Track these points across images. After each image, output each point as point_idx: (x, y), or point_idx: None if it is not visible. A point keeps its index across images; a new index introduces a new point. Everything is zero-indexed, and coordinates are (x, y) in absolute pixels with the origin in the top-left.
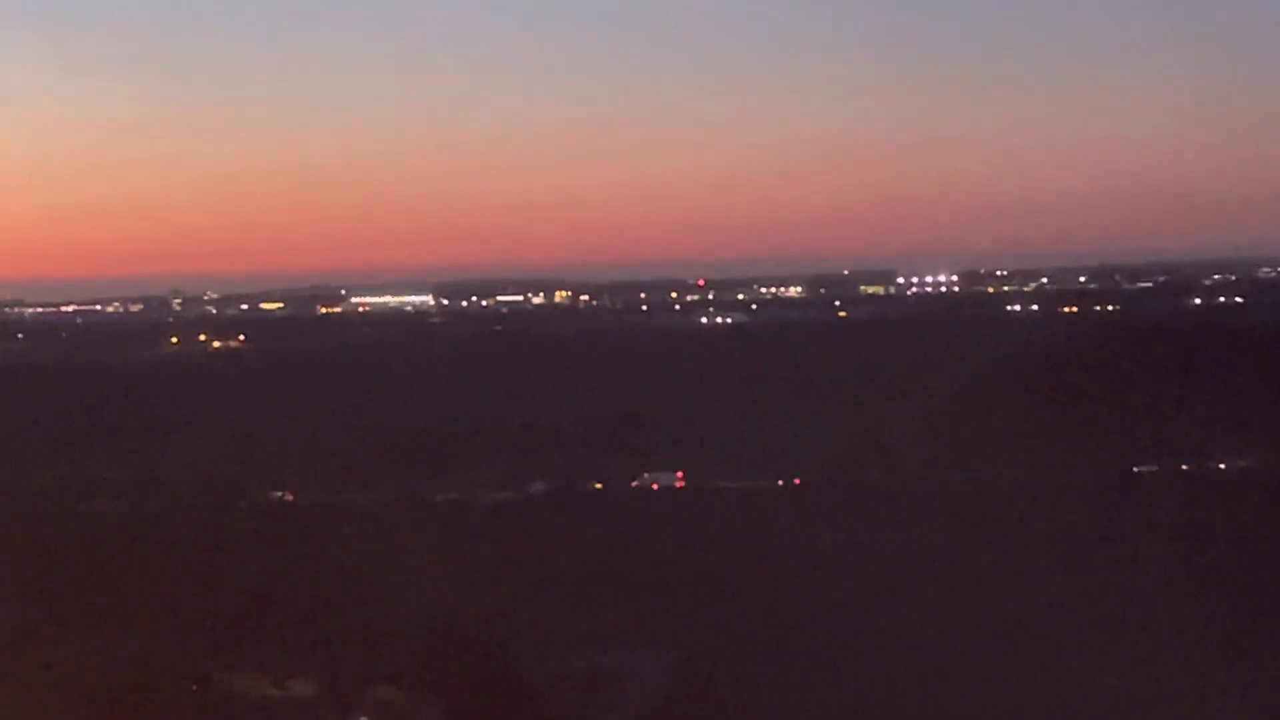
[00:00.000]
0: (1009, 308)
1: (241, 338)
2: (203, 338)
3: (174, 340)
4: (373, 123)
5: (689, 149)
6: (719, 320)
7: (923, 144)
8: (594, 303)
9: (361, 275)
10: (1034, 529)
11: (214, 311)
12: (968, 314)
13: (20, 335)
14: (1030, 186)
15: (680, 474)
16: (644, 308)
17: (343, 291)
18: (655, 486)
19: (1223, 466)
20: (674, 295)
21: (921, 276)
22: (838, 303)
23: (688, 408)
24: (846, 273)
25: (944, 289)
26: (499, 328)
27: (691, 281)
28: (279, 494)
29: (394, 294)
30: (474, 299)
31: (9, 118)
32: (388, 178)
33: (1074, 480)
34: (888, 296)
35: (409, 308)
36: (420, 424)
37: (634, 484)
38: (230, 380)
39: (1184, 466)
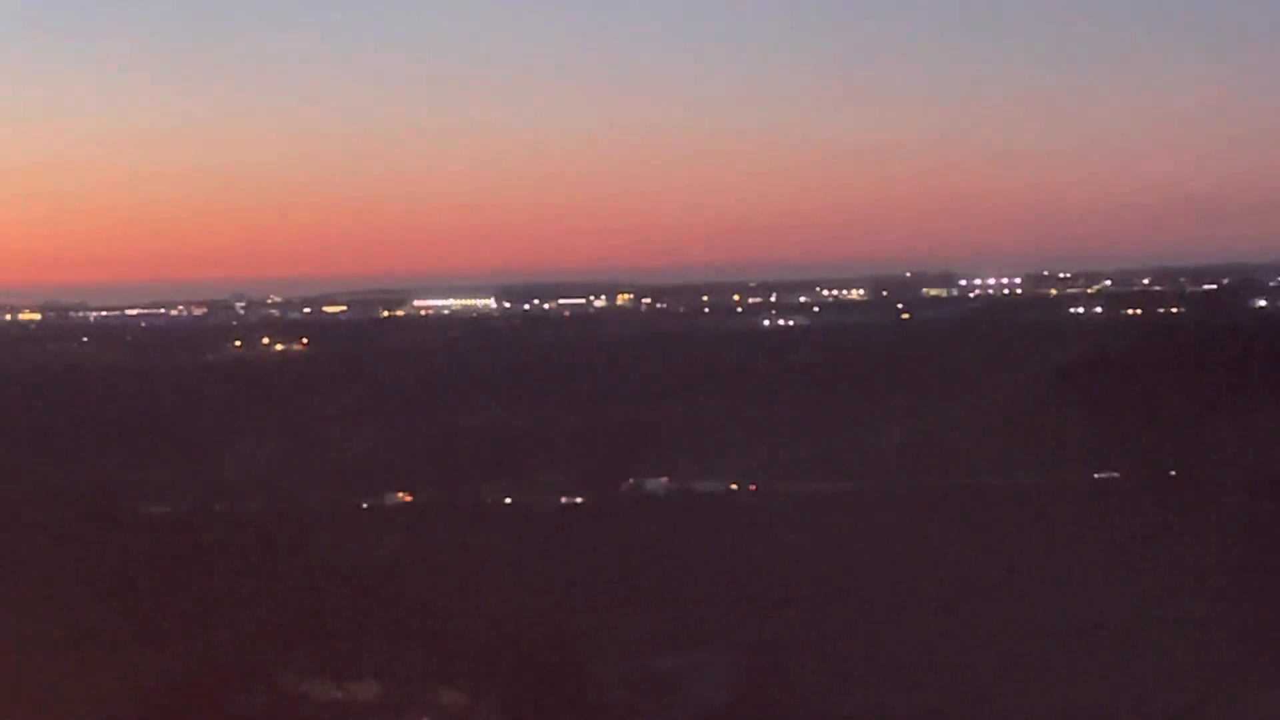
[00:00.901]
0: (1072, 310)
1: (304, 341)
2: (266, 341)
3: (237, 343)
4: (435, 127)
5: (750, 153)
6: (781, 323)
7: (984, 146)
8: (656, 305)
9: (423, 278)
10: (1096, 533)
11: (277, 314)
12: (1031, 316)
13: (84, 338)
14: (1093, 188)
15: (729, 480)
16: (706, 310)
17: (405, 294)
18: (715, 489)
19: None
20: (736, 298)
21: (984, 279)
22: (900, 305)
23: (750, 410)
24: (908, 275)
25: (1006, 291)
26: (561, 330)
27: (754, 284)
28: (341, 496)
29: (456, 297)
30: (536, 302)
31: (71, 125)
32: (450, 181)
33: (1148, 483)
34: (950, 299)
35: (471, 311)
36: (484, 426)
37: (694, 486)
38: (291, 383)
39: (1256, 471)
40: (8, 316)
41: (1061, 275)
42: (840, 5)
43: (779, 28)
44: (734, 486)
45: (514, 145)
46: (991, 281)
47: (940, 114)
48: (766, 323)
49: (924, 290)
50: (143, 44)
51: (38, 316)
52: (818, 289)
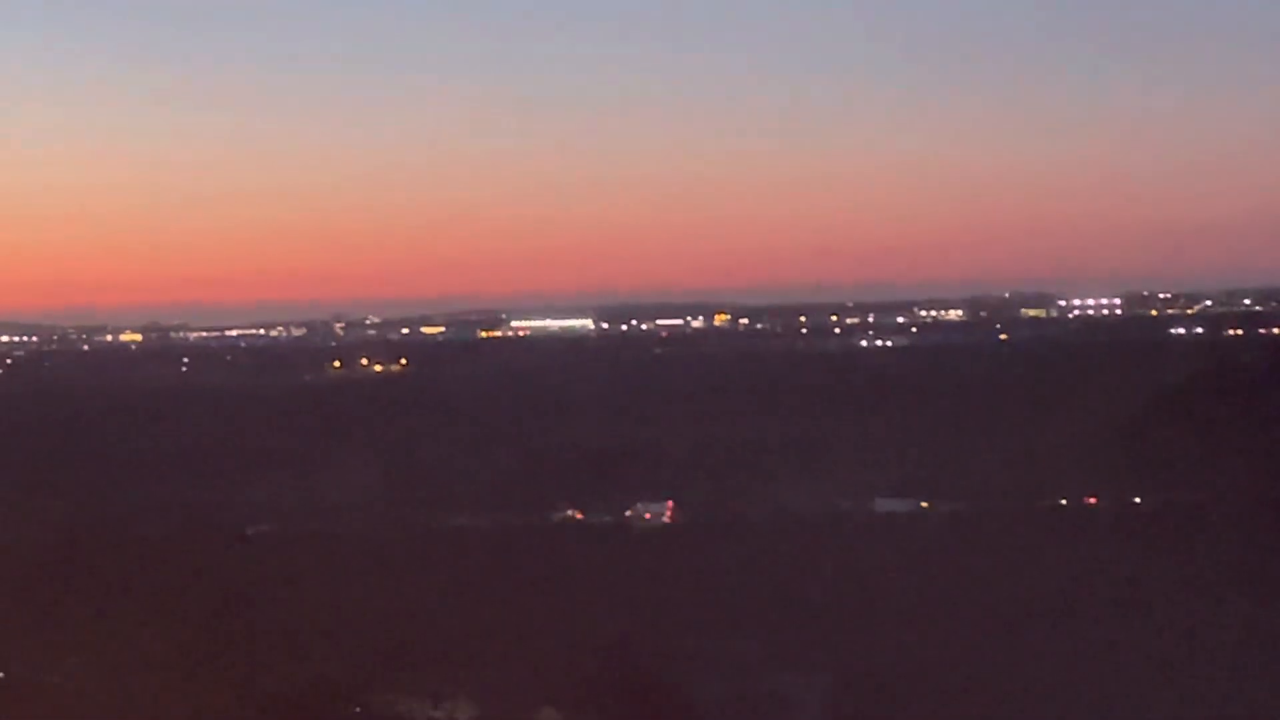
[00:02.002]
0: (1172, 331)
1: (403, 361)
2: (364, 362)
3: (336, 364)
4: (533, 149)
5: (848, 174)
6: (879, 343)
7: (1082, 166)
8: (754, 326)
9: (521, 299)
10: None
11: (375, 335)
12: (1131, 337)
13: (185, 359)
14: (1193, 207)
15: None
16: (803, 331)
17: (502, 315)
18: (821, 510)
19: None
20: (834, 318)
21: (1083, 299)
22: (998, 326)
23: (847, 431)
24: (1007, 295)
25: (1106, 311)
26: (659, 351)
27: (851, 304)
28: (440, 517)
29: (554, 318)
30: (633, 322)
31: (172, 145)
32: (547, 202)
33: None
34: (1049, 319)
35: (568, 331)
36: (582, 446)
37: (798, 509)
38: (388, 404)
39: None
40: (110, 338)
41: (1162, 295)
42: (937, 30)
43: (877, 51)
44: (845, 506)
45: (612, 167)
46: (1090, 302)
47: (1038, 135)
48: (864, 343)
49: (1022, 311)
50: (250, 73)
51: (139, 337)
52: (915, 309)
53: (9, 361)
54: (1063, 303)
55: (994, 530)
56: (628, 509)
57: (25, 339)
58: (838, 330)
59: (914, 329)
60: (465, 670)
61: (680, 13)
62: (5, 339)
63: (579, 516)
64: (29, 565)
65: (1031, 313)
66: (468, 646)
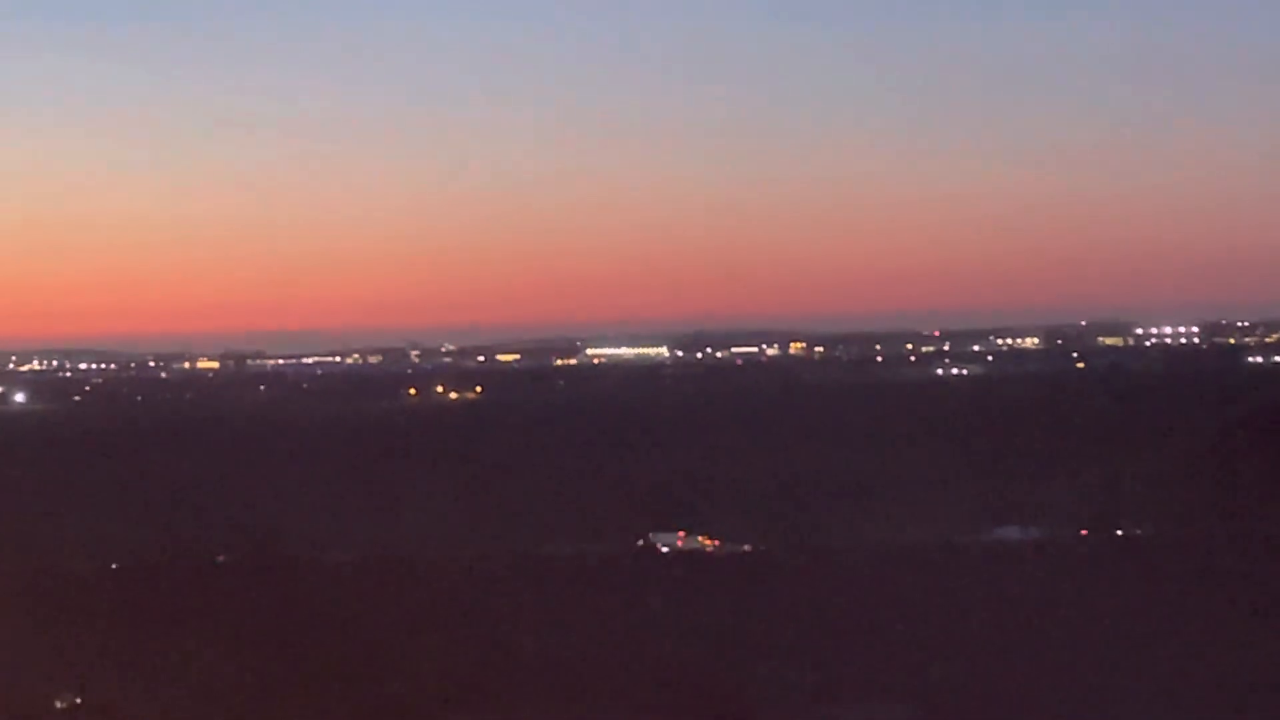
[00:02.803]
0: (1250, 359)
1: (478, 389)
2: (440, 389)
3: (412, 391)
4: (607, 178)
5: (924, 202)
6: (955, 372)
7: (1158, 194)
8: (832, 353)
9: (597, 326)
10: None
11: (451, 362)
12: (1209, 364)
13: (262, 386)
14: (1271, 234)
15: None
16: (879, 359)
17: (578, 343)
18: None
19: None
20: (909, 346)
21: (1160, 327)
22: (1075, 354)
23: (926, 461)
24: (1084, 323)
25: (1183, 340)
26: (735, 378)
27: (927, 332)
28: (517, 543)
29: (629, 345)
30: (709, 350)
31: (250, 175)
32: (621, 229)
33: None
34: (1126, 348)
35: (644, 359)
36: (657, 475)
37: (874, 540)
38: (462, 431)
39: None
40: (187, 365)
41: (1239, 324)
42: (1010, 60)
43: (951, 82)
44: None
45: (689, 194)
46: (1168, 330)
47: (1113, 164)
48: (940, 371)
49: (1099, 339)
50: (331, 104)
51: (216, 365)
52: (991, 337)
53: (87, 388)
54: (1139, 331)
55: (1137, 558)
56: (713, 536)
57: (103, 366)
58: (913, 359)
59: (990, 357)
60: (546, 699)
61: (755, 45)
62: (84, 366)
63: (662, 548)
64: (121, 592)
65: (1108, 341)
66: (550, 675)
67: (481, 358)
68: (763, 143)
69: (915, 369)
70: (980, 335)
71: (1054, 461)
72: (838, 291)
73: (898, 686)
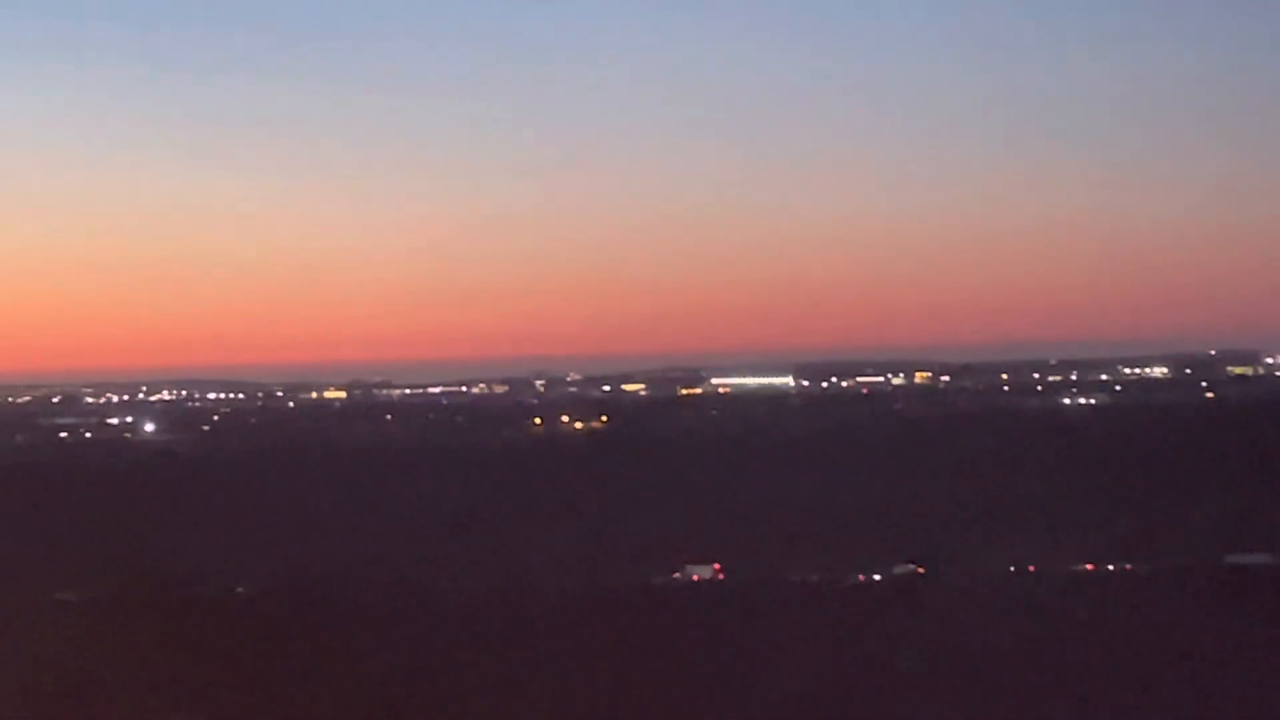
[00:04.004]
0: None
1: (603, 418)
2: (565, 419)
3: (537, 421)
4: (732, 208)
5: (1049, 231)
6: (1082, 401)
7: None
8: (958, 383)
9: (721, 356)
10: None
11: (576, 392)
12: None
13: (389, 416)
14: None
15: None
16: (1005, 388)
17: (702, 372)
18: (1032, 569)
19: None
20: (1035, 376)
21: None
22: (1204, 383)
23: (1052, 492)
24: (1213, 353)
25: None
26: (858, 408)
27: (1054, 361)
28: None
29: (753, 375)
30: (833, 379)
31: (376, 208)
32: (748, 259)
33: None
34: (1256, 377)
35: (768, 389)
36: (781, 505)
37: (1010, 569)
38: (588, 461)
39: None
40: (314, 394)
41: None
42: (1134, 91)
43: (1074, 112)
44: (1032, 569)
45: (811, 225)
46: None
47: (1242, 190)
48: (1066, 401)
49: (1228, 369)
50: (448, 139)
51: (343, 394)
52: (1119, 367)
53: (215, 418)
54: (1270, 360)
55: (1105, 592)
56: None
57: (232, 396)
58: (1040, 388)
59: (1117, 387)
60: None
61: (873, 73)
62: (212, 396)
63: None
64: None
65: (1237, 370)
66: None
67: (607, 387)
68: (887, 174)
69: (1041, 399)
70: (1107, 364)
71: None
72: (964, 320)
73: None
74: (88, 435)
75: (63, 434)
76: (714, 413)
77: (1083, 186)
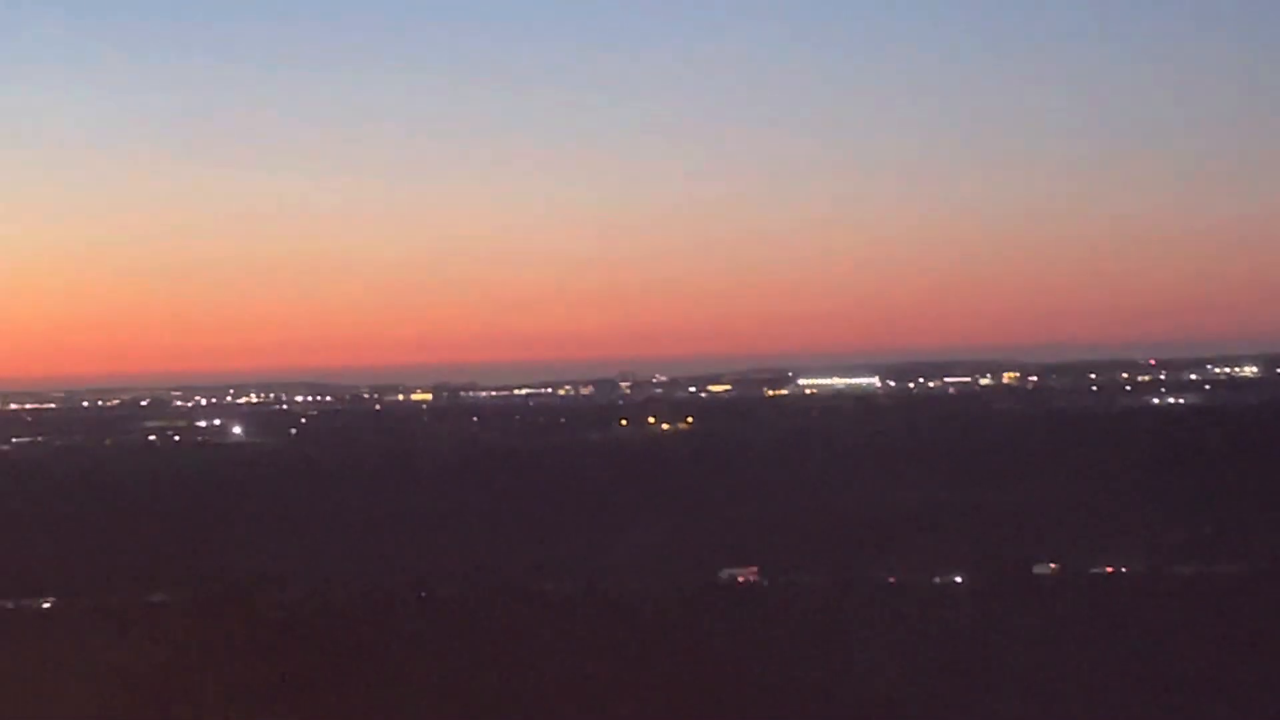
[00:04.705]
0: None
1: (689, 420)
2: (651, 420)
3: (623, 422)
4: (815, 207)
5: (1137, 230)
6: (1171, 401)
7: None
8: (1046, 383)
9: (808, 357)
10: None
11: (662, 393)
12: None
13: (475, 418)
14: None
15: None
16: (1094, 389)
17: (789, 373)
18: (1109, 570)
19: None
20: (1124, 376)
21: None
22: None
23: (1149, 491)
24: None
25: None
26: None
27: (1142, 361)
28: (733, 573)
29: (840, 376)
30: (920, 380)
31: (467, 210)
32: (832, 258)
33: None
34: None
35: (854, 389)
36: (864, 507)
37: (1087, 569)
38: (675, 463)
39: None
40: (401, 397)
41: None
42: (1219, 85)
43: (1159, 110)
44: (1124, 570)
45: (899, 224)
46: None
47: None
48: (1155, 400)
49: None
50: (536, 139)
51: (429, 397)
52: (1209, 366)
53: (303, 421)
54: None
55: (1192, 594)
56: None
57: (319, 398)
58: (1129, 388)
59: (1207, 386)
60: None
61: (966, 72)
62: (299, 398)
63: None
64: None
65: None
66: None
67: (693, 388)
68: (971, 172)
69: (1130, 398)
70: (1197, 364)
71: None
72: (1052, 321)
73: None
74: (175, 438)
75: (151, 437)
76: (813, 414)
77: (1169, 183)
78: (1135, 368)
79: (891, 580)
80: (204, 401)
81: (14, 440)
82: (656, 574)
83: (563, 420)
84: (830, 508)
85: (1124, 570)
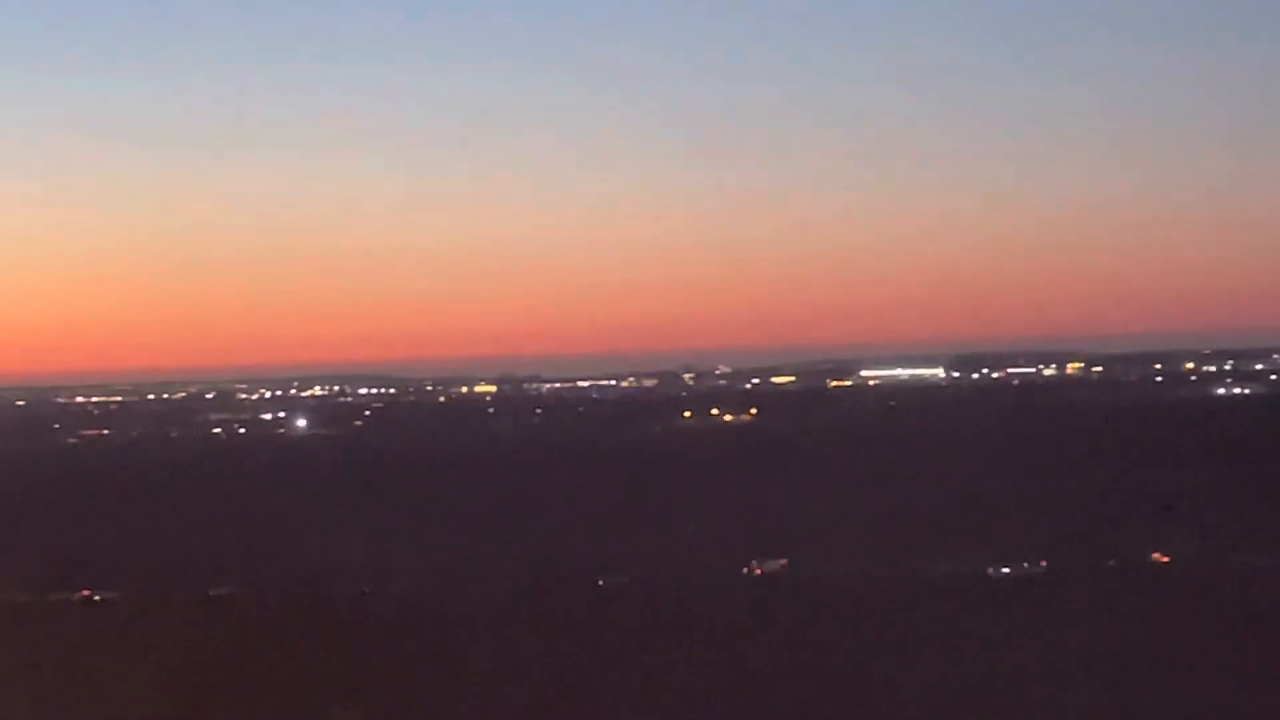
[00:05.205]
0: None
1: (753, 411)
2: (714, 412)
3: (686, 414)
4: (880, 197)
5: (1205, 220)
6: (1236, 391)
7: None
8: (1110, 373)
9: (872, 347)
10: None
11: (725, 385)
12: None
13: (538, 410)
14: None
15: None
16: (1159, 379)
17: (852, 364)
18: (1164, 558)
19: None
20: (1189, 366)
21: None
22: None
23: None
24: None
25: None
26: (1009, 399)
27: (1208, 351)
28: (777, 563)
29: (905, 367)
30: (985, 371)
31: (532, 203)
32: (895, 249)
33: None
34: None
35: (918, 380)
36: (928, 498)
37: (1151, 560)
38: (739, 455)
39: None
40: (464, 389)
41: None
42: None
43: (1231, 99)
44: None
45: (959, 216)
46: None
47: None
48: (1221, 391)
49: None
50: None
51: (493, 389)
52: (1275, 356)
53: (367, 413)
54: None
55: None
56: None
57: (383, 391)
58: (1193, 378)
59: (1273, 376)
60: None
61: (1035, 62)
62: (364, 391)
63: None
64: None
65: None
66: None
67: (756, 380)
68: (1031, 165)
69: (1194, 389)
70: (1263, 354)
71: None
72: (1114, 310)
73: None
74: (241, 431)
75: (216, 429)
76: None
77: (1231, 175)
78: (1200, 358)
79: (1112, 563)
80: (268, 394)
81: (82, 433)
82: (727, 566)
83: (627, 413)
84: (881, 500)
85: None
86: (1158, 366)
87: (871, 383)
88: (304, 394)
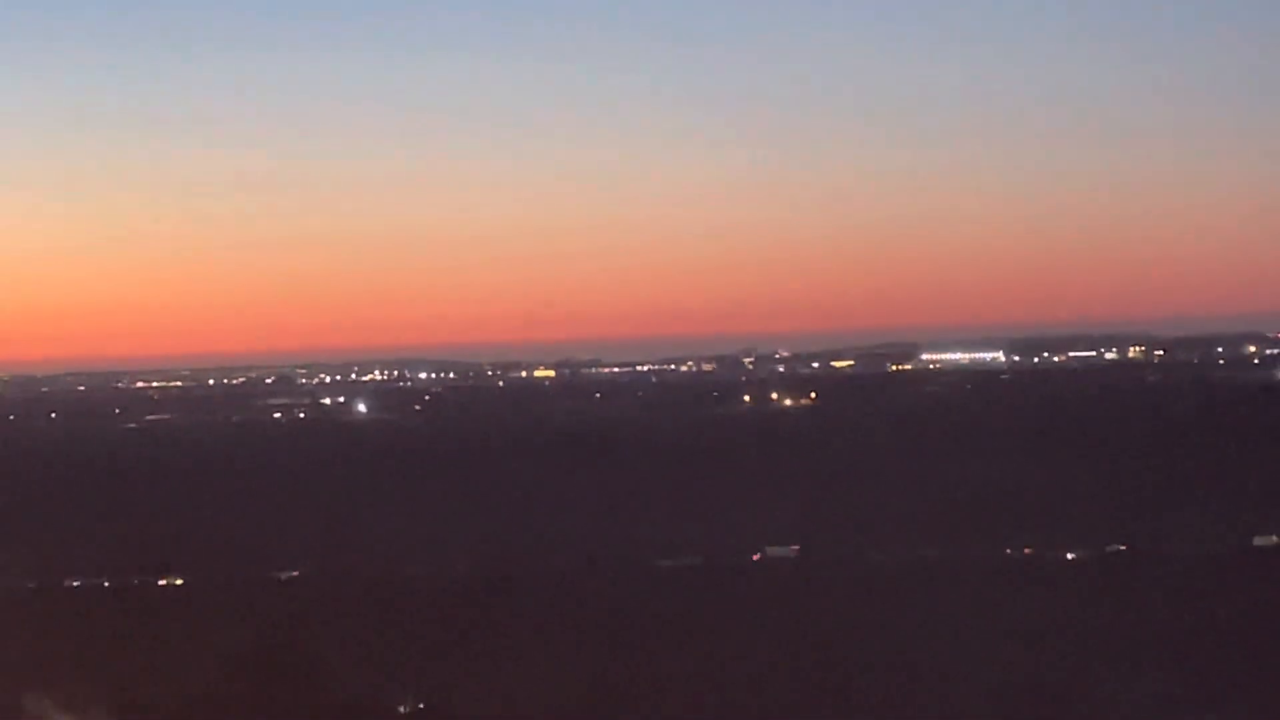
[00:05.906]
0: None
1: (813, 395)
2: (774, 396)
3: (746, 398)
4: (940, 181)
5: (1264, 200)
6: None
7: None
8: (1172, 357)
9: (932, 331)
10: None
11: (784, 370)
12: None
13: (598, 394)
14: None
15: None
16: (1220, 362)
17: (912, 348)
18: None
19: None
20: (1252, 349)
21: None
22: None
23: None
24: None
25: None
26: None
27: (1271, 333)
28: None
29: (965, 350)
30: (1045, 354)
31: (590, 187)
32: (960, 233)
33: None
34: None
35: (978, 364)
36: (989, 482)
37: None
38: (801, 439)
39: None
40: (524, 373)
41: None
42: None
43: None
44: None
45: (1021, 199)
46: None
47: None
48: None
49: None
50: (675, 113)
51: (552, 373)
52: None
53: (426, 397)
54: None
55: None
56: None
57: (442, 375)
58: (1256, 361)
59: None
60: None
61: (1095, 49)
62: (423, 375)
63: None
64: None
65: None
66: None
67: (815, 364)
68: (1094, 147)
69: (1257, 371)
70: None
71: None
72: (1178, 294)
73: None
74: (301, 415)
75: (276, 414)
76: (930, 389)
77: None
78: (1262, 340)
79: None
80: (328, 379)
81: (147, 418)
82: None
83: (687, 397)
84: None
85: None
86: (1219, 350)
87: (932, 367)
88: (363, 378)
